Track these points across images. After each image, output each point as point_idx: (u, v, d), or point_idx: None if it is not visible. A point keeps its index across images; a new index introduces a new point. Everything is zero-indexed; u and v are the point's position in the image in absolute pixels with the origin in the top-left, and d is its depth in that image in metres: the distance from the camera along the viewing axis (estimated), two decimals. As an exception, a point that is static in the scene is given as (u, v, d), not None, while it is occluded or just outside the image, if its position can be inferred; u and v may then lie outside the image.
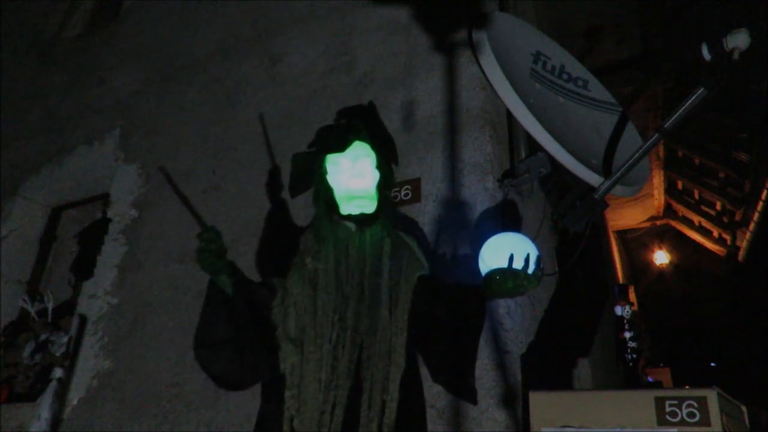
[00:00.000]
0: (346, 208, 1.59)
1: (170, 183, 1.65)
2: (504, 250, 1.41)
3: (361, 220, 1.58)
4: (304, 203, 2.18)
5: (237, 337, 1.43)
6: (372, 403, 1.37)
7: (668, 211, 7.12)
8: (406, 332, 1.46)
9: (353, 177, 1.60)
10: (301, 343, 1.43)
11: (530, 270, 1.41)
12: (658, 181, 6.41)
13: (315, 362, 1.40)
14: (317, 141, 1.80)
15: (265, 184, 2.40)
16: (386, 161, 1.71)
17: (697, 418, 1.21)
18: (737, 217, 6.11)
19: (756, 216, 5.64)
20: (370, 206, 1.60)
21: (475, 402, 1.54)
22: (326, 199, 1.62)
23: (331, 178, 1.62)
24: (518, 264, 1.40)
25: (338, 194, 1.60)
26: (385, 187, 1.66)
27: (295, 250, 1.61)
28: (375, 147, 1.66)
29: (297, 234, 1.68)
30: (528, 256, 1.41)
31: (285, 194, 2.32)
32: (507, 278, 1.40)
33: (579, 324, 2.43)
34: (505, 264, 1.40)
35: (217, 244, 1.41)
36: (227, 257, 1.45)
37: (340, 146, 1.63)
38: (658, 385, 4.09)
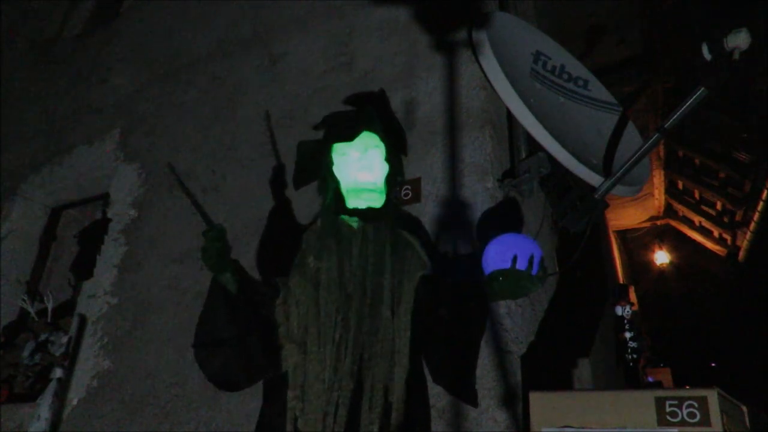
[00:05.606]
0: (352, 202, 1.53)
1: (179, 181, 1.62)
2: (508, 251, 1.40)
3: (367, 214, 1.52)
4: (306, 202, 2.18)
5: (238, 337, 1.42)
6: (373, 404, 1.35)
7: (668, 211, 7.12)
8: (410, 332, 1.43)
9: (361, 169, 1.53)
10: (303, 342, 1.40)
11: (533, 272, 1.39)
12: (658, 181, 6.41)
13: (318, 362, 1.37)
14: (324, 129, 1.71)
15: (268, 181, 2.38)
16: (396, 153, 1.64)
17: (698, 418, 1.20)
18: (737, 217, 6.11)
19: (756, 216, 5.64)
20: (378, 200, 1.54)
21: (475, 404, 1.53)
22: (332, 191, 1.55)
23: (337, 170, 1.55)
24: (522, 265, 1.38)
25: (345, 187, 1.54)
26: (394, 180, 1.60)
27: (297, 250, 1.59)
28: (385, 137, 1.58)
29: (299, 233, 1.66)
30: (532, 257, 1.39)
31: (286, 193, 2.32)
32: (510, 279, 1.38)
33: (579, 324, 2.43)
34: (508, 265, 1.39)
35: (222, 242, 1.39)
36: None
37: (348, 136, 1.55)
38: (658, 385, 4.10)
